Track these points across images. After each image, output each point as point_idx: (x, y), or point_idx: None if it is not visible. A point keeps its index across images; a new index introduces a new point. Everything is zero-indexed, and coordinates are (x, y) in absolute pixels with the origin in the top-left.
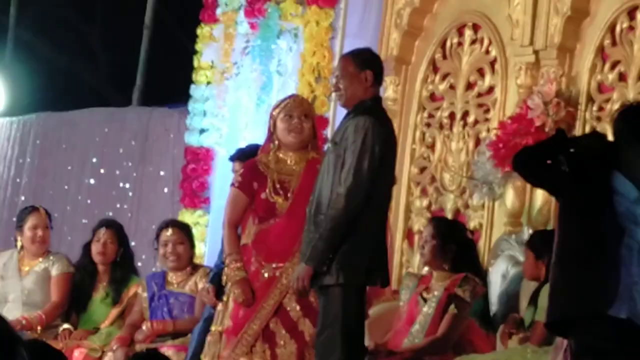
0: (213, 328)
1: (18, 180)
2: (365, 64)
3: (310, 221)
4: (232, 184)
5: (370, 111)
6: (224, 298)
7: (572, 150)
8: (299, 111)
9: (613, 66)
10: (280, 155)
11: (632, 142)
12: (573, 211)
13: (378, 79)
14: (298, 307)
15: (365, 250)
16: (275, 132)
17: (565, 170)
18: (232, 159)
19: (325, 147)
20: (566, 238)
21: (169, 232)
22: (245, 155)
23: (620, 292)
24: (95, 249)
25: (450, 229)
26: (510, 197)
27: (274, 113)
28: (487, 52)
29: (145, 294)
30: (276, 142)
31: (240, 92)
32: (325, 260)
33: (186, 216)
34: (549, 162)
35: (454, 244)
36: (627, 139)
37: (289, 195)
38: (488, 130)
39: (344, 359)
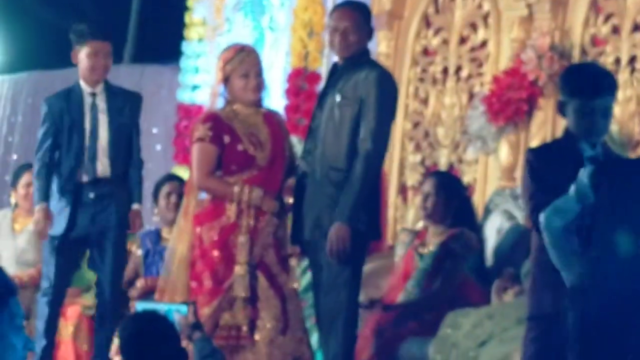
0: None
1: (10, 139)
2: (370, 19)
3: (324, 176)
4: (200, 140)
5: (377, 63)
6: None
7: None
8: (256, 70)
9: (606, 19)
10: (237, 108)
11: (565, 99)
12: None
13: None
14: (276, 261)
15: (370, 207)
16: (228, 87)
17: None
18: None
19: (337, 99)
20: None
21: (174, 183)
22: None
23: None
24: None
25: (453, 183)
26: (504, 151)
27: (228, 68)
28: (480, 6)
29: (139, 251)
30: (229, 96)
31: None
32: (360, 220)
33: (180, 173)
34: None
35: (456, 199)
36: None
37: (263, 147)
38: (481, 85)
39: (349, 324)
